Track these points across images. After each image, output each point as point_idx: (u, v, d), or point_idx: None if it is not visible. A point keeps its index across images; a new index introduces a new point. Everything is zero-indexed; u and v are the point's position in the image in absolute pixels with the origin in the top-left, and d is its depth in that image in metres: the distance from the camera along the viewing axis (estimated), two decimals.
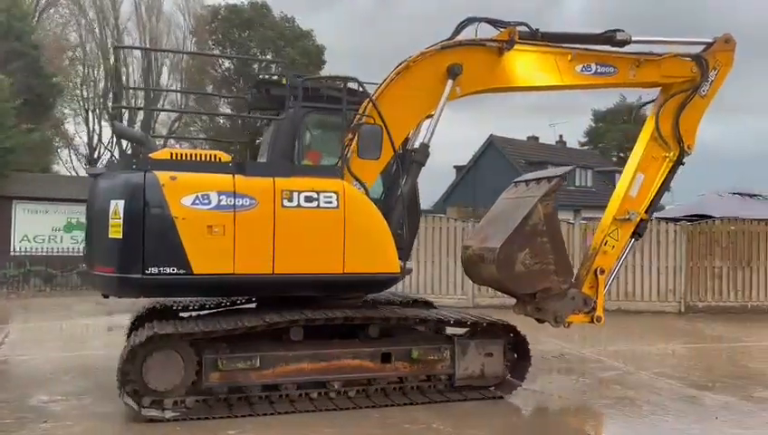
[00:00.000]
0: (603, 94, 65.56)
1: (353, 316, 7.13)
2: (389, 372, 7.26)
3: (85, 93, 37.30)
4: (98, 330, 13.05)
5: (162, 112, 37.02)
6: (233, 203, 6.72)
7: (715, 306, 16.64)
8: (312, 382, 7.09)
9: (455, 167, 47.18)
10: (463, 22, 8.30)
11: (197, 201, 6.65)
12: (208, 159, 7.12)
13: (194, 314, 8.26)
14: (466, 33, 8.34)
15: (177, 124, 37.31)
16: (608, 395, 8.23)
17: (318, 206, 6.97)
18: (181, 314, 8.27)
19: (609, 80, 8.59)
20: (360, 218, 7.12)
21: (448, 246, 16.45)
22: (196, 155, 7.15)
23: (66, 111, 36.16)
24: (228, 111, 34.57)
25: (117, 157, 34.71)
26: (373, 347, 7.22)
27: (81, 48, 36.85)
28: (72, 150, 37.93)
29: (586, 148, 65.83)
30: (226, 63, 48.69)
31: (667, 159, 8.71)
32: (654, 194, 8.71)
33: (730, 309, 16.56)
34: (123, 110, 33.60)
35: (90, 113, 37.64)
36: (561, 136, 54.00)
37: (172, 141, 33.84)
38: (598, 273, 8.50)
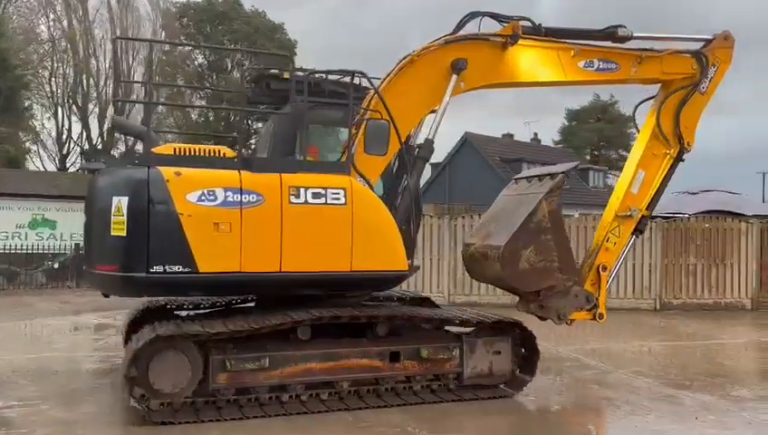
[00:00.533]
0: (577, 93, 66.23)
1: (377, 315, 7.08)
2: (398, 372, 7.14)
3: (54, 88, 36.66)
4: (62, 330, 12.62)
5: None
6: (239, 199, 6.54)
7: (690, 303, 16.73)
8: (320, 383, 6.94)
9: (430, 164, 47.07)
10: (466, 16, 8.21)
11: (203, 198, 6.45)
12: (213, 154, 6.94)
13: (194, 313, 8.08)
14: (468, 28, 8.28)
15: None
16: (586, 395, 8.15)
17: (326, 202, 6.81)
18: (177, 314, 8.06)
19: (611, 76, 8.54)
20: (368, 215, 6.98)
21: (424, 243, 16.34)
22: (200, 150, 6.94)
23: (35, 105, 35.44)
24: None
25: (89, 151, 34.05)
26: (382, 346, 7.09)
27: (51, 41, 36.12)
28: (40, 145, 37.19)
29: (560, 146, 66.45)
30: (200, 59, 48.21)
31: (668, 156, 8.70)
32: (655, 191, 8.71)
33: (704, 306, 16.69)
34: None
35: (59, 108, 37.00)
36: (535, 134, 54.22)
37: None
38: (600, 270, 8.48)
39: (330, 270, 6.88)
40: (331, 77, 7.85)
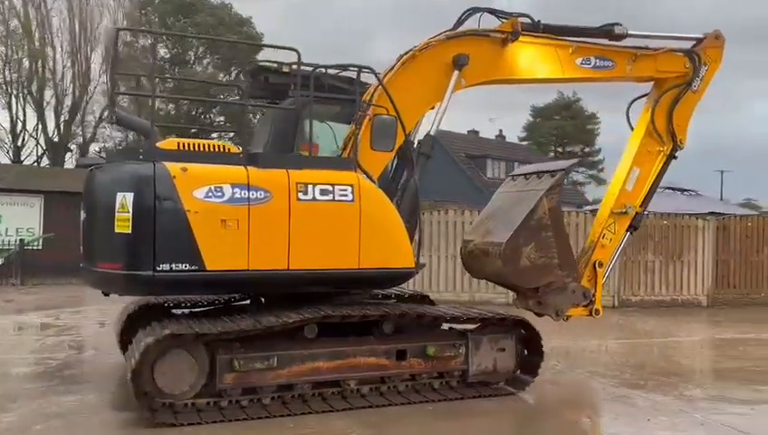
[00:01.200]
0: (543, 91, 67.06)
1: (391, 313, 7.05)
2: (404, 370, 7.09)
3: (8, 76, 35.55)
4: (2, 330, 12.16)
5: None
6: (247, 196, 6.41)
7: (648, 300, 16.84)
8: (327, 382, 6.85)
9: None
10: (465, 12, 8.20)
11: (210, 194, 6.31)
12: (217, 149, 6.79)
13: (190, 311, 7.91)
14: (467, 25, 8.25)
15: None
16: (540, 396, 7.84)
17: (333, 199, 6.72)
18: (174, 312, 7.88)
19: (607, 73, 8.63)
20: (376, 212, 6.92)
21: None
22: (205, 145, 6.78)
23: None
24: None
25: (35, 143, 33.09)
26: (389, 344, 7.02)
27: (5, 26, 35.00)
28: None
29: (525, 143, 67.11)
30: (162, 52, 47.40)
31: (662, 154, 8.84)
32: (649, 188, 8.83)
33: (662, 303, 16.85)
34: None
35: (13, 98, 35.92)
36: (500, 130, 54.99)
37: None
38: (596, 266, 8.56)
39: (337, 268, 6.80)
40: (331, 71, 7.76)
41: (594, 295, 8.50)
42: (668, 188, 26.93)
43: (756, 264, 17.18)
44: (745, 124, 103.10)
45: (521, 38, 8.09)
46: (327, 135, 7.67)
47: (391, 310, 7.09)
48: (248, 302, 8.14)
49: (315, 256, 6.67)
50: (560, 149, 71.40)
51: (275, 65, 7.95)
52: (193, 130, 29.50)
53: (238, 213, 6.37)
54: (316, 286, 6.97)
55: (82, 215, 6.95)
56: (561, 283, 8.08)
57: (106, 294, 6.92)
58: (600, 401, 7.90)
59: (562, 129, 68.17)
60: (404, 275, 7.24)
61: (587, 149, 69.91)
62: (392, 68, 7.77)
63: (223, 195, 6.34)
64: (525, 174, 8.60)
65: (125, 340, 7.84)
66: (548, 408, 7.66)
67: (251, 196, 6.42)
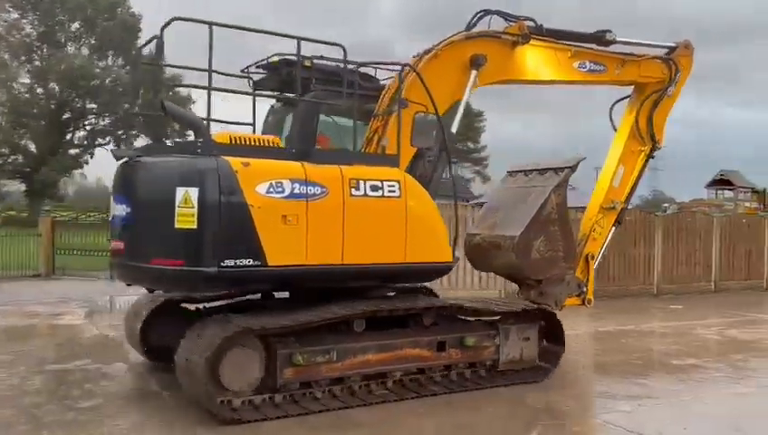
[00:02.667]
0: None
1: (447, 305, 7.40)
2: (443, 361, 7.33)
3: None
4: None
5: None
6: (305, 192, 6.43)
7: None
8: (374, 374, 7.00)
9: None
10: (477, 13, 8.52)
11: (272, 189, 6.28)
12: (266, 143, 6.75)
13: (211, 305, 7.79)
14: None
15: None
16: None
17: (382, 195, 6.86)
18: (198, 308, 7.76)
19: (598, 77, 9.21)
20: (419, 207, 7.11)
21: None
22: (255, 140, 6.71)
23: None
24: None
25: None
26: (431, 336, 7.24)
27: None
28: None
29: None
30: (28, 29, 44.53)
31: (642, 153, 9.55)
32: (632, 185, 9.52)
33: None
34: None
35: None
36: None
37: None
38: (588, 258, 9.15)
39: (386, 262, 6.94)
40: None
41: (586, 286, 9.09)
42: None
43: (633, 256, 17.46)
44: None
45: (531, 41, 8.49)
46: (333, 130, 7.76)
47: (451, 303, 7.40)
48: (259, 297, 8.11)
49: (366, 250, 6.78)
50: None
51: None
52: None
53: (298, 208, 6.38)
54: (365, 280, 7.09)
55: (120, 209, 6.69)
56: (563, 274, 8.62)
57: (151, 291, 6.70)
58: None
59: None
60: (444, 269, 7.49)
61: (473, 146, 71.99)
62: (416, 66, 7.91)
63: (283, 190, 6.33)
64: (525, 171, 9.04)
65: (148, 337, 7.69)
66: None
67: (309, 191, 6.44)
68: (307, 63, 7.86)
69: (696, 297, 17.35)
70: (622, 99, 9.80)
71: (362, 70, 7.94)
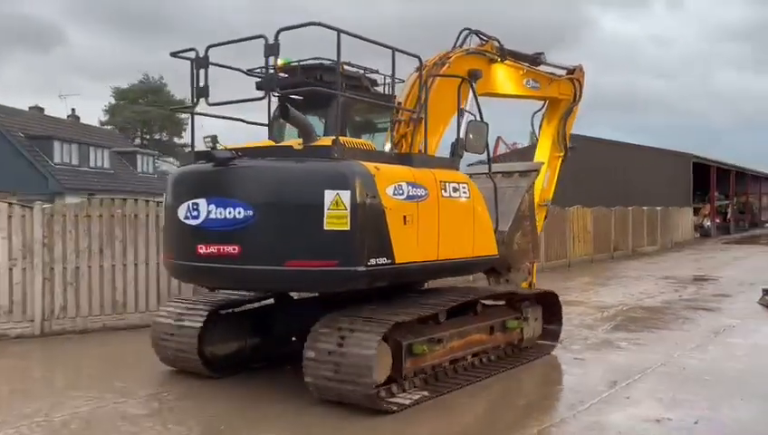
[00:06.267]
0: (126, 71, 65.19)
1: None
2: (493, 343, 8.23)
3: None
4: None
5: None
6: (416, 193, 6.95)
7: None
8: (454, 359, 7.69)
9: None
10: (462, 31, 9.53)
11: (396, 192, 6.72)
12: (369, 147, 7.13)
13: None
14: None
15: None
16: None
17: (460, 196, 7.58)
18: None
19: (535, 93, 10.74)
20: (479, 206, 7.93)
21: None
22: (363, 144, 7.05)
23: None
24: None
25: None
26: (487, 321, 8.11)
27: None
28: None
29: (108, 127, 64.49)
30: None
31: (559, 158, 11.32)
32: (554, 185, 11.25)
33: None
34: None
35: None
36: (73, 110, 51.01)
37: None
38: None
39: (462, 257, 7.67)
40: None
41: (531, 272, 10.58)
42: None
43: None
44: None
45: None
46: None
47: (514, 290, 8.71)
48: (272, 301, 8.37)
49: (452, 246, 7.46)
50: (146, 136, 70.37)
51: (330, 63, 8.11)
52: None
53: (412, 209, 6.88)
54: (446, 274, 7.75)
55: (221, 212, 6.54)
56: (530, 262, 10.01)
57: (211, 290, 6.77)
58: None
59: (148, 114, 67.13)
60: (492, 262, 8.38)
61: (175, 139, 70.26)
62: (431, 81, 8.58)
63: (403, 192, 6.79)
64: (503, 172, 10.12)
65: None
66: None
67: (417, 193, 6.97)
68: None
69: None
70: (538, 111, 11.43)
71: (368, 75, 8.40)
